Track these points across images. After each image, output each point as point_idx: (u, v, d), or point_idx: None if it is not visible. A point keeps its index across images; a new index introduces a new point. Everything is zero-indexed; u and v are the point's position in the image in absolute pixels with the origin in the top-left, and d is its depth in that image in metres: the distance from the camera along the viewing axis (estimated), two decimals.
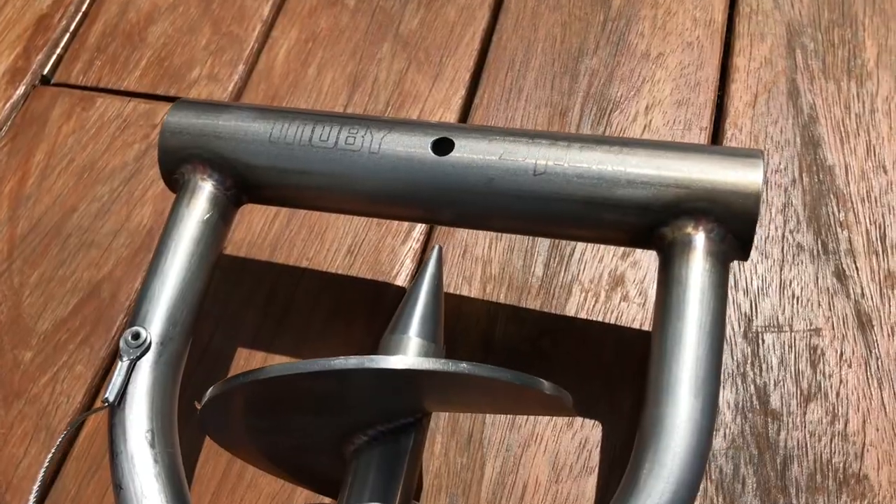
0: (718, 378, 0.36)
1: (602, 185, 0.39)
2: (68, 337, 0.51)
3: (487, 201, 0.40)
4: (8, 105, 0.61)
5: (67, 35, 0.65)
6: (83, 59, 0.63)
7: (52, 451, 0.36)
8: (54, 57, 0.64)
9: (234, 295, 0.51)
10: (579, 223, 0.40)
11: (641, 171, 0.39)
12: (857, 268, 0.49)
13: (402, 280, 0.51)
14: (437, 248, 0.41)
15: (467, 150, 0.40)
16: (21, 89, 0.62)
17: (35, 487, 0.36)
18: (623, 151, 0.39)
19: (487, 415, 0.46)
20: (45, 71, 0.63)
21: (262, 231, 0.53)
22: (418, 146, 0.41)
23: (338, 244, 0.53)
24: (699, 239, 0.38)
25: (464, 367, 0.32)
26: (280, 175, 0.43)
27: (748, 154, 0.39)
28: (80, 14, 0.65)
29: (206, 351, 0.48)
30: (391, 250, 0.52)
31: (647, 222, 0.39)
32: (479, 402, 0.37)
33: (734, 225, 0.38)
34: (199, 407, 0.36)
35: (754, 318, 0.48)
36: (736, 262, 0.49)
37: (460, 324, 0.49)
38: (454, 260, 0.51)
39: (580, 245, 0.51)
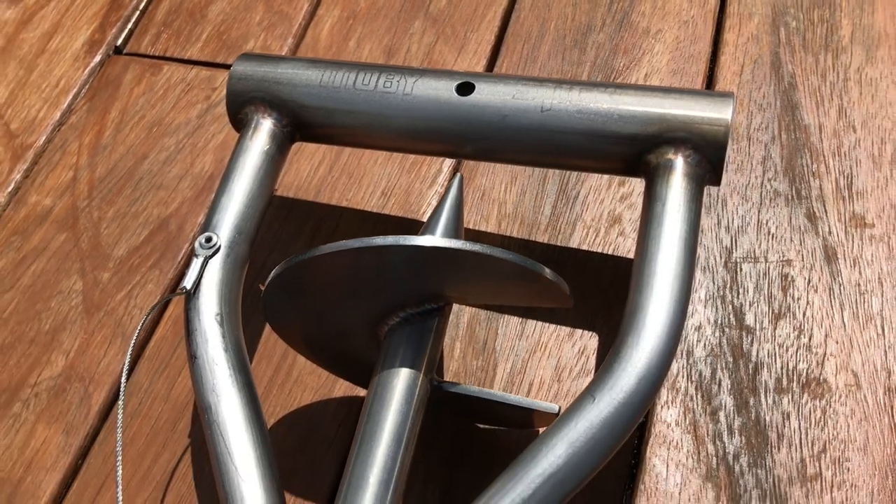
0: (691, 274, 0.44)
1: (598, 119, 0.46)
2: (140, 261, 0.59)
3: (502, 135, 0.48)
4: (86, 71, 0.70)
5: (137, 13, 0.73)
6: (151, 32, 0.72)
7: (138, 328, 0.44)
8: (126, 31, 0.72)
9: (284, 228, 0.59)
10: (579, 153, 0.48)
11: (630, 108, 0.46)
12: (825, 210, 0.56)
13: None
14: (458, 176, 0.49)
15: (485, 92, 0.48)
16: (97, 58, 0.71)
17: (126, 360, 0.44)
18: (616, 93, 0.47)
19: (499, 326, 0.53)
20: (119, 43, 0.72)
21: (308, 176, 0.61)
22: (444, 89, 0.49)
23: (373, 187, 0.61)
24: (678, 162, 0.45)
25: (480, 246, 0.39)
26: (328, 114, 0.51)
27: (721, 95, 0.46)
28: None
29: (261, 269, 0.56)
30: (419, 193, 0.60)
31: (636, 151, 0.46)
32: (492, 290, 0.44)
33: (707, 151, 0.45)
34: (262, 288, 0.44)
35: (734, 250, 0.55)
36: (720, 205, 0.57)
37: None
38: (473, 202, 0.59)
39: (584, 189, 0.58)
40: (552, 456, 0.39)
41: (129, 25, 0.73)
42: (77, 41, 0.72)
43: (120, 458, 0.38)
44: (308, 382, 0.53)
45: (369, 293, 0.43)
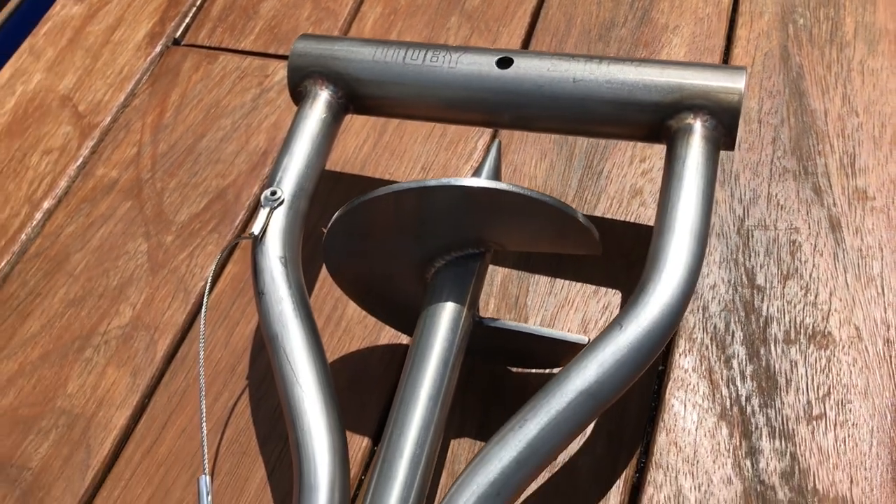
0: (708, 222, 0.48)
1: (625, 88, 0.52)
2: (201, 226, 0.65)
3: (537, 104, 0.53)
4: (147, 60, 0.76)
5: (194, 9, 0.80)
6: (207, 26, 0.78)
7: (212, 268, 0.49)
8: (183, 25, 0.79)
9: (332, 198, 0.64)
10: (608, 121, 0.53)
11: (654, 78, 0.52)
12: (830, 185, 0.61)
13: None
14: (497, 141, 0.54)
15: (522, 66, 0.54)
16: (158, 48, 0.77)
17: (204, 300, 0.49)
18: (641, 66, 0.52)
19: (530, 284, 0.58)
20: (177, 35, 0.78)
21: (354, 152, 0.67)
22: (485, 63, 0.54)
23: (413, 163, 0.66)
24: (696, 126, 0.51)
25: (523, 188, 0.45)
26: (380, 86, 0.56)
27: (735, 67, 0.52)
28: None
29: (310, 236, 0.62)
30: (456, 168, 0.65)
31: (658, 118, 0.52)
32: (529, 235, 0.49)
33: (723, 117, 0.50)
34: (324, 231, 0.49)
35: (746, 219, 0.60)
36: (734, 179, 0.62)
37: None
38: (506, 176, 0.64)
39: (608, 164, 0.64)
40: (584, 374, 0.43)
41: (187, 20, 0.79)
42: (139, 33, 0.78)
43: (202, 366, 0.43)
44: (356, 331, 0.58)
45: (419, 236, 0.48)
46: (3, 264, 0.65)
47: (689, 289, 0.46)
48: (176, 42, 0.78)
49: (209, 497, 0.44)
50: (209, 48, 0.76)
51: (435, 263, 0.49)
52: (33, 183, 0.69)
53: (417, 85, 0.55)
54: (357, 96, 0.57)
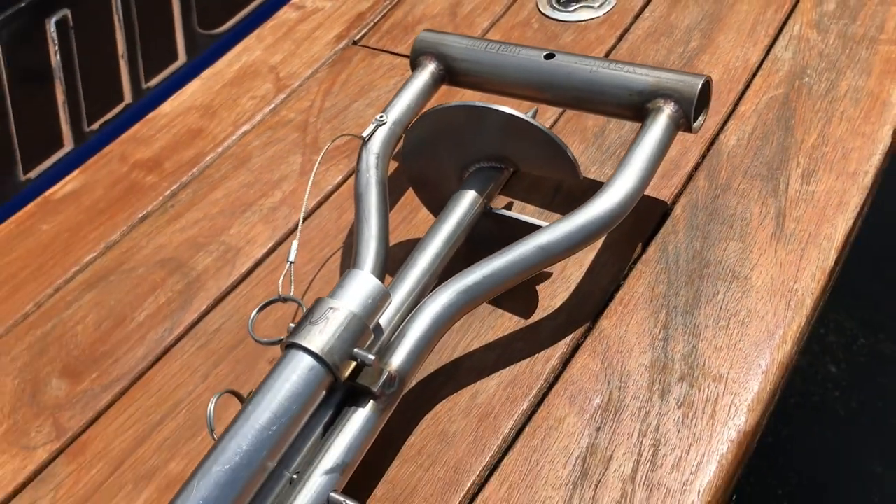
0: (650, 172, 0.71)
1: (624, 79, 0.76)
2: (339, 154, 0.94)
3: (566, 85, 0.79)
4: (332, 51, 1.08)
5: (372, 24, 1.11)
6: (377, 35, 1.09)
7: (317, 162, 0.77)
8: (362, 33, 1.10)
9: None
10: (609, 101, 0.77)
11: (643, 74, 0.76)
12: (787, 187, 0.81)
13: None
14: (535, 108, 0.79)
15: (561, 60, 0.79)
16: (341, 45, 1.09)
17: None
18: (637, 67, 0.77)
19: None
20: (356, 38, 1.10)
21: None
22: (538, 56, 0.80)
23: None
24: (666, 109, 0.74)
25: (537, 123, 0.70)
26: (469, 65, 0.84)
27: (698, 75, 0.75)
28: (382, 14, 1.12)
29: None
30: None
31: (642, 100, 0.75)
32: (534, 160, 0.74)
33: (683, 104, 0.73)
34: (404, 131, 0.76)
35: (717, 199, 0.81)
36: (715, 174, 0.83)
37: (540, 179, 0.86)
38: None
39: (609, 141, 0.87)
40: (540, 236, 0.67)
41: (365, 30, 1.11)
42: (330, 34, 1.11)
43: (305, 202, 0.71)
44: (408, 201, 0.84)
45: (464, 145, 0.74)
46: (208, 158, 0.96)
47: (625, 204, 0.69)
48: (354, 42, 1.09)
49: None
50: (375, 49, 1.07)
51: (469, 168, 0.75)
52: (239, 114, 1.01)
53: (491, 66, 0.82)
54: (452, 71, 0.85)
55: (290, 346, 0.59)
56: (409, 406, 0.69)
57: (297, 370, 0.58)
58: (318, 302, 0.62)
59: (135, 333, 0.80)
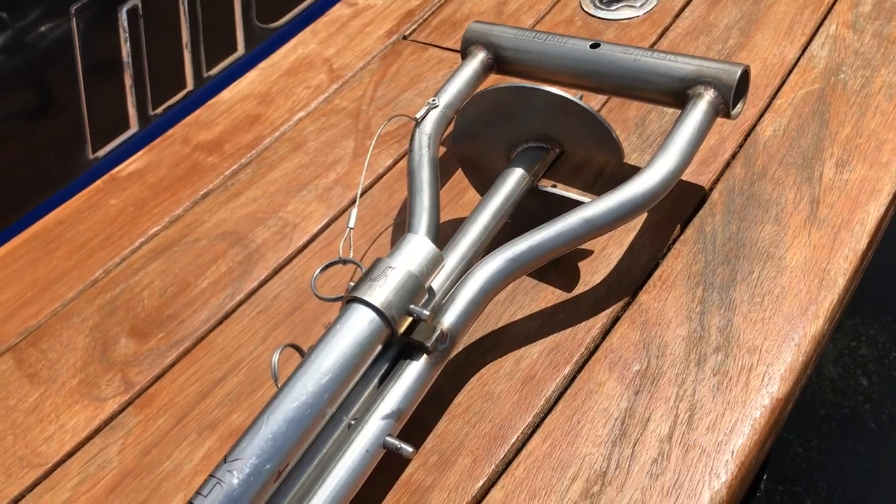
0: (690, 155, 0.75)
1: (666, 67, 0.80)
2: (390, 139, 0.98)
3: (611, 73, 0.83)
4: (383, 45, 1.13)
5: (422, 20, 1.16)
6: (427, 30, 1.14)
7: (374, 139, 0.82)
8: (412, 28, 1.15)
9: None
10: (651, 88, 0.81)
11: (685, 64, 0.79)
12: (822, 176, 0.85)
13: None
14: (580, 95, 0.84)
15: (606, 49, 0.84)
16: (391, 39, 1.14)
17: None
18: (679, 55, 0.81)
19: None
20: (406, 33, 1.15)
21: None
22: (583, 45, 0.85)
23: None
24: (706, 95, 0.78)
25: (584, 104, 0.74)
26: (517, 54, 0.88)
27: (737, 64, 0.78)
28: (432, 11, 1.17)
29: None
30: None
31: (683, 87, 0.79)
32: (580, 140, 0.78)
33: (723, 91, 0.77)
34: (455, 115, 0.81)
35: (753, 185, 0.85)
36: (752, 161, 0.87)
37: (582, 164, 0.90)
38: None
39: (650, 130, 0.91)
40: (584, 210, 0.71)
41: (415, 26, 1.16)
42: (382, 29, 1.16)
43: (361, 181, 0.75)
44: (457, 181, 0.88)
45: (513, 125, 0.78)
46: (266, 141, 1.01)
47: (666, 182, 0.73)
48: (404, 37, 1.14)
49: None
50: (424, 44, 1.12)
51: (517, 147, 0.79)
52: (295, 101, 1.07)
53: (539, 55, 0.87)
54: (500, 60, 0.89)
55: (351, 300, 0.64)
56: (456, 369, 0.74)
57: (358, 322, 0.63)
58: (377, 262, 0.66)
59: (198, 299, 0.85)
